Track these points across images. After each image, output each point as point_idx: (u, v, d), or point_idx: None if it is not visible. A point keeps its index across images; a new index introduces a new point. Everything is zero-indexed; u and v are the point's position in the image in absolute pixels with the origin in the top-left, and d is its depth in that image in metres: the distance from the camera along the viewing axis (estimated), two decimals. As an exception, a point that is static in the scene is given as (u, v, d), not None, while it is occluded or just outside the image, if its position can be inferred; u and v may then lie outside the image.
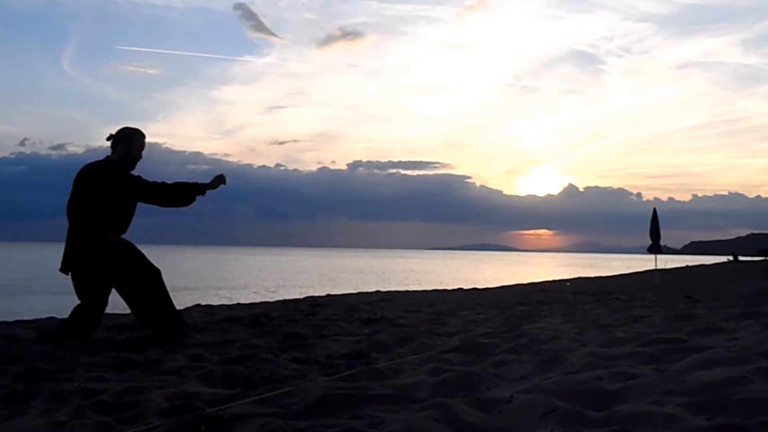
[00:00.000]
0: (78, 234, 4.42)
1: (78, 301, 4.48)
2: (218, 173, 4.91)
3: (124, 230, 4.64)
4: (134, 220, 4.72)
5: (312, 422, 2.37)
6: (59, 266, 4.48)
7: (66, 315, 4.63)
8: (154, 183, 4.79)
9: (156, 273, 4.63)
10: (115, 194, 4.52)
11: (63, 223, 4.48)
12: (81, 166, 4.54)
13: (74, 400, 2.75)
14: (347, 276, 34.15)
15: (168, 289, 4.67)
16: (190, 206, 4.93)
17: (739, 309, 5.62)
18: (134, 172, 4.71)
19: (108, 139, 4.59)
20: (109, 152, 4.61)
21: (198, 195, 4.87)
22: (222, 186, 4.96)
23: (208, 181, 4.92)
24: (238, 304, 9.21)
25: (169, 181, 4.87)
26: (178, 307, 4.90)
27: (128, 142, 4.58)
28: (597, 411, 2.34)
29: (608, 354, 3.52)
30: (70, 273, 4.46)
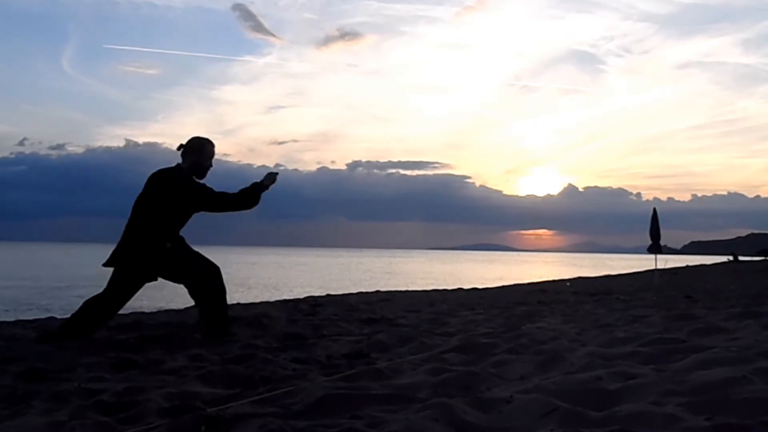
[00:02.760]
0: (139, 234, 4.49)
1: (86, 299, 4.53)
2: (270, 172, 4.94)
3: (177, 236, 4.71)
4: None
5: (312, 422, 2.37)
6: (105, 259, 4.53)
7: (62, 316, 4.63)
8: (219, 195, 4.80)
9: (216, 271, 4.68)
10: (181, 202, 4.61)
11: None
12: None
13: (74, 400, 2.75)
14: (347, 276, 34.14)
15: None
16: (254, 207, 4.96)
17: (739, 309, 5.62)
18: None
19: (178, 148, 4.69)
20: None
21: (261, 193, 4.89)
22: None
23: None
24: (238, 304, 9.20)
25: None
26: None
27: (198, 152, 4.68)
28: (597, 411, 2.34)
29: (608, 354, 3.52)
30: (113, 268, 4.52)
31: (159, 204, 4.51)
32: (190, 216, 4.74)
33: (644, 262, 38.94)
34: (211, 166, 4.77)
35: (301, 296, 12.08)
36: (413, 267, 54.08)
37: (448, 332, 5.02)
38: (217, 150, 4.79)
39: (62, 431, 2.31)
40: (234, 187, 4.90)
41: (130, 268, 4.50)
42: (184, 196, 4.60)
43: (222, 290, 4.66)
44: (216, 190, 4.81)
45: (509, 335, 4.58)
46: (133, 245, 4.49)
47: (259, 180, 4.93)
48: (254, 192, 4.87)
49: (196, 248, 4.78)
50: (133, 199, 4.59)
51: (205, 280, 4.62)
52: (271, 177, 4.93)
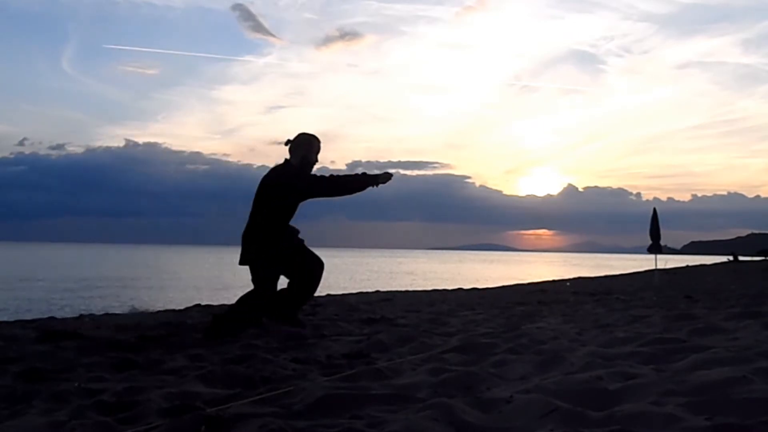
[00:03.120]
0: (261, 231, 4.71)
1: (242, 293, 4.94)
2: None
3: (285, 230, 4.90)
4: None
5: (312, 422, 2.37)
6: (239, 260, 4.82)
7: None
8: (330, 183, 4.85)
9: (318, 271, 4.97)
10: (292, 198, 4.77)
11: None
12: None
13: (74, 400, 2.75)
14: (347, 276, 34.14)
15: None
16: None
17: (739, 309, 5.62)
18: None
19: (286, 143, 4.84)
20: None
21: (371, 186, 4.93)
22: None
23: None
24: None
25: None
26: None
27: (307, 147, 4.85)
28: (597, 411, 2.34)
29: (608, 354, 3.52)
30: (249, 265, 4.79)
31: (275, 200, 4.70)
32: (296, 207, 4.89)
33: (644, 262, 38.93)
34: (317, 161, 4.91)
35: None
36: (413, 267, 54.07)
37: (448, 332, 5.01)
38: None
39: (62, 431, 2.32)
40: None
41: (264, 261, 4.75)
42: (294, 192, 4.76)
43: (309, 285, 4.96)
44: (324, 175, 4.95)
45: (509, 335, 4.57)
46: (259, 240, 4.71)
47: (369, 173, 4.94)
48: (364, 184, 4.89)
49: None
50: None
51: (304, 269, 4.89)
52: (387, 176, 4.92)
